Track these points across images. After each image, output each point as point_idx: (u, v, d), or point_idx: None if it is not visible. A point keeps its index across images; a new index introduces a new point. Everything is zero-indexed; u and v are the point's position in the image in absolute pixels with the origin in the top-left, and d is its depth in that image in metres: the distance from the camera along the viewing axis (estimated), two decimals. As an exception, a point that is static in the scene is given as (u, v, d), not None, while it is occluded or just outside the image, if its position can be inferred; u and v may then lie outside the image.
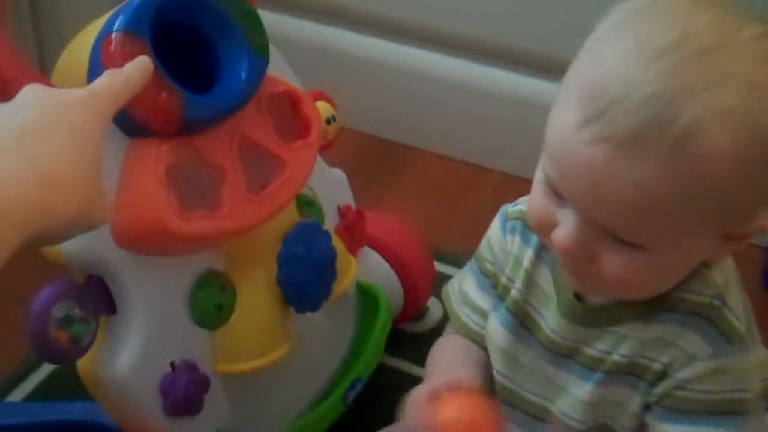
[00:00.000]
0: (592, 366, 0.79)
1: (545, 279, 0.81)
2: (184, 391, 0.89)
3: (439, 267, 1.29)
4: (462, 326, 0.90)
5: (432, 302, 1.26)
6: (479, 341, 0.89)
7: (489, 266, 0.87)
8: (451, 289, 0.93)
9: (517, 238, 0.84)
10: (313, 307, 0.97)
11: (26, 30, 1.45)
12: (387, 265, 1.16)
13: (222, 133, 0.89)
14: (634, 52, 0.65)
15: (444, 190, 1.54)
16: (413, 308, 1.21)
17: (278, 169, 0.92)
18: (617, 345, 0.77)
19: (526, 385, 0.84)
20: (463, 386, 0.78)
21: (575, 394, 0.80)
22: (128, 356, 0.87)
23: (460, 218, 1.48)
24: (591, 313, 0.78)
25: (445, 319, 1.23)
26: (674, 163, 0.64)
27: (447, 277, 1.30)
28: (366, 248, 1.12)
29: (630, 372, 0.77)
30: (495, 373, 0.86)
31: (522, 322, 0.83)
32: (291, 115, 0.97)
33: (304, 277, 0.95)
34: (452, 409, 0.76)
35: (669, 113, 0.63)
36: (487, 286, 0.88)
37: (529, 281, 0.82)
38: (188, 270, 0.91)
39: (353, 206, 1.09)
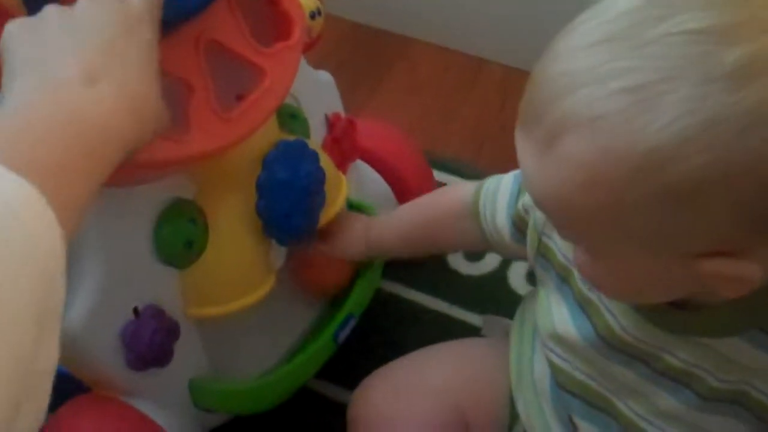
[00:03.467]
0: (674, 377, 0.68)
1: None
2: (150, 341, 0.78)
3: (438, 176, 1.16)
4: (475, 204, 0.84)
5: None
6: (475, 226, 0.84)
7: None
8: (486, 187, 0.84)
9: None
10: (299, 239, 0.84)
11: None
12: (381, 179, 1.04)
13: (185, 39, 0.75)
14: (562, 46, 0.57)
15: (441, 86, 1.40)
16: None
17: (255, 78, 0.78)
18: (705, 359, 0.66)
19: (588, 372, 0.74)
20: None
21: (655, 402, 0.70)
22: (83, 303, 0.75)
23: (459, 118, 1.35)
24: (676, 316, 0.66)
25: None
26: (543, 158, 0.56)
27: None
28: (357, 161, 0.98)
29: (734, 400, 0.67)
30: (564, 368, 0.75)
31: (587, 312, 0.72)
32: (268, 12, 0.82)
33: (288, 205, 0.81)
34: None
35: (548, 105, 0.55)
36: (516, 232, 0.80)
37: None
38: (152, 201, 0.78)
39: (342, 114, 0.95)
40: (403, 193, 1.04)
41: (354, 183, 0.95)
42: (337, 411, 0.97)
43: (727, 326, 0.64)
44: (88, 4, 0.64)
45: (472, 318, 1.06)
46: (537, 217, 0.75)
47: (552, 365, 0.76)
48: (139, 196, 0.77)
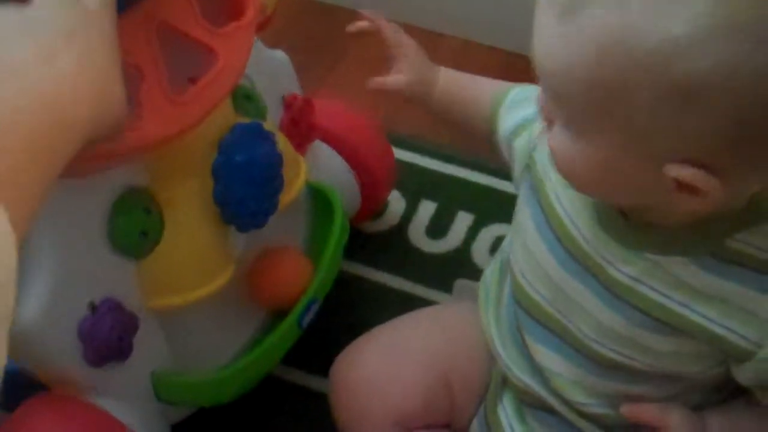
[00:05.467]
0: (619, 293, 0.70)
1: None
2: (108, 336, 0.75)
3: (397, 153, 1.14)
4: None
5: (392, 196, 1.13)
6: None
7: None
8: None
9: None
10: (258, 224, 0.82)
11: None
12: (340, 159, 1.01)
13: (133, 21, 0.72)
14: None
15: (397, 61, 1.37)
16: (373, 205, 1.07)
17: (208, 60, 0.76)
18: (650, 276, 0.68)
19: (544, 292, 0.76)
20: None
21: (598, 317, 0.71)
22: (37, 299, 0.72)
23: (417, 94, 1.32)
24: (632, 231, 0.68)
25: (407, 215, 1.11)
26: (564, 25, 0.58)
27: (407, 165, 1.18)
28: (316, 142, 0.96)
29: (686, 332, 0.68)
30: (525, 286, 0.77)
31: (549, 223, 0.74)
32: (219, -9, 0.80)
33: (246, 190, 0.79)
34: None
35: None
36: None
37: (566, 186, 0.72)
38: (104, 190, 0.75)
39: (299, 94, 0.93)
40: (362, 173, 1.02)
41: (313, 164, 0.93)
42: (304, 396, 0.96)
43: (679, 246, 0.66)
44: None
45: (437, 296, 1.05)
46: (532, 132, 0.77)
47: (515, 282, 0.78)
48: (90, 186, 0.74)
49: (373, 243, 1.06)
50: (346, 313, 1.01)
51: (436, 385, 0.83)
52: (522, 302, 0.77)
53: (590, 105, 0.59)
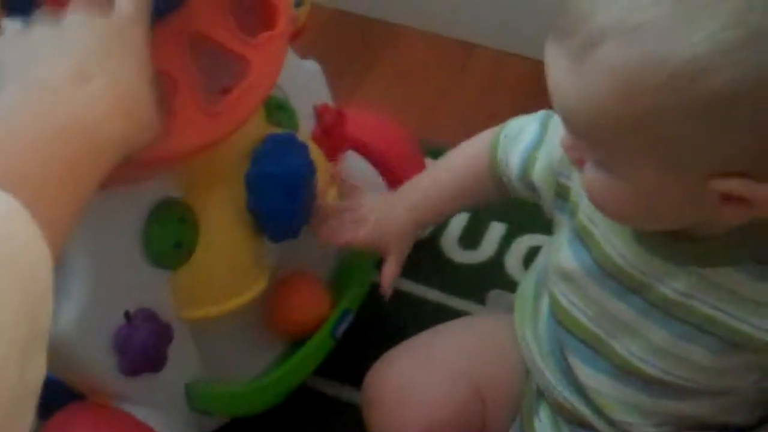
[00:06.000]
0: (666, 309, 0.69)
1: None
2: (143, 345, 0.75)
3: (429, 164, 1.14)
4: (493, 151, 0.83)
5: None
6: (490, 172, 0.83)
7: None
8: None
9: None
10: (291, 234, 0.82)
11: None
12: (372, 169, 1.01)
13: (167, 32, 0.72)
14: None
15: (429, 72, 1.38)
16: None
17: (241, 70, 0.76)
18: (701, 290, 0.67)
19: (586, 312, 0.75)
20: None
21: (648, 336, 0.71)
22: (73, 309, 0.73)
23: (449, 105, 1.33)
24: (675, 245, 0.67)
25: (440, 226, 1.10)
26: (578, 67, 0.58)
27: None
28: (347, 152, 0.96)
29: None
30: (566, 307, 0.76)
31: (585, 243, 0.73)
32: (252, 1, 0.80)
33: (279, 200, 0.79)
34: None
35: (587, 13, 0.57)
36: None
37: None
38: (139, 201, 0.76)
39: (331, 104, 0.93)
40: (394, 183, 1.02)
41: (345, 175, 0.93)
42: (336, 407, 0.96)
43: (723, 255, 0.65)
44: (77, 13, 0.62)
45: (470, 306, 1.04)
46: (553, 160, 0.76)
47: (554, 301, 0.77)
48: (126, 197, 0.74)
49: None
50: (379, 324, 1.01)
51: (468, 396, 0.82)
52: (563, 322, 0.76)
53: (620, 141, 0.58)
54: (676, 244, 0.67)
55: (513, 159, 0.80)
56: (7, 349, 0.44)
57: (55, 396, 0.79)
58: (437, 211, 0.88)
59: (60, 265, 0.71)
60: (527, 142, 0.79)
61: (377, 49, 1.41)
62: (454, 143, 1.24)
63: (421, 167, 1.06)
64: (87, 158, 0.55)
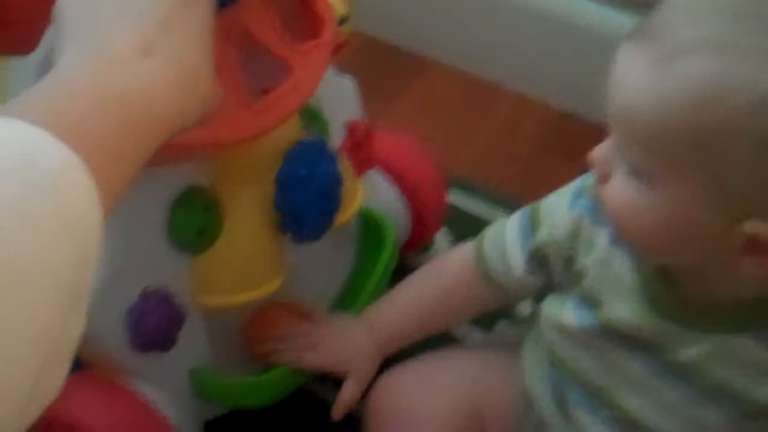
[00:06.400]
0: (679, 371, 0.69)
1: (626, 268, 0.71)
2: (156, 324, 0.77)
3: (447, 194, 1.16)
4: (480, 258, 0.82)
5: (440, 233, 1.14)
6: (484, 281, 0.82)
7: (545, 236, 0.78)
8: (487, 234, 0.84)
9: (586, 218, 0.74)
10: (313, 236, 0.84)
11: None
12: (395, 190, 1.03)
13: (218, 27, 0.73)
14: None
15: (454, 107, 1.40)
16: (421, 238, 1.08)
17: (283, 73, 0.78)
18: (717, 356, 0.66)
19: (590, 366, 0.75)
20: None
21: (659, 394, 0.70)
22: (93, 279, 0.73)
23: (470, 141, 1.35)
24: (690, 310, 0.67)
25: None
26: (658, 70, 0.58)
27: (455, 208, 1.19)
28: (372, 170, 0.98)
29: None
30: (565, 357, 0.76)
31: (592, 308, 0.73)
32: (300, 10, 0.82)
33: (306, 202, 0.81)
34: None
35: (684, 23, 0.58)
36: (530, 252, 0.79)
37: (604, 269, 0.72)
38: (168, 185, 0.77)
39: (362, 121, 0.95)
40: (416, 205, 1.04)
41: (368, 190, 0.95)
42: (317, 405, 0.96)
43: (743, 324, 0.65)
44: None
45: (475, 332, 1.05)
46: (559, 237, 0.75)
47: (551, 353, 0.77)
48: (155, 178, 0.74)
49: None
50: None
51: (468, 417, 0.82)
52: (564, 371, 0.77)
53: (677, 152, 0.58)
54: (694, 310, 0.67)
55: (511, 252, 0.80)
56: (54, 297, 0.45)
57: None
58: (401, 334, 0.87)
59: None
60: (517, 230, 0.80)
61: (405, 79, 1.43)
62: (473, 176, 1.27)
63: (442, 192, 1.07)
64: (143, 130, 0.55)
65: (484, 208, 1.22)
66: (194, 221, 0.78)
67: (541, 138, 1.37)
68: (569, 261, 0.75)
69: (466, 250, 0.84)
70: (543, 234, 0.77)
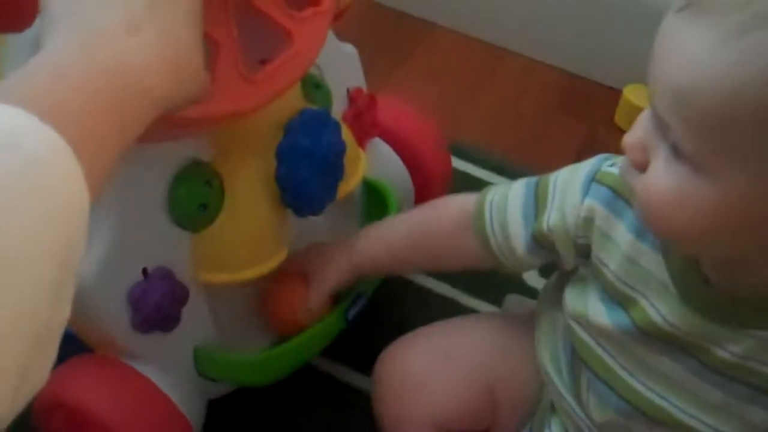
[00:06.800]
0: (722, 370, 0.65)
1: (654, 263, 0.67)
2: (158, 303, 0.75)
3: (454, 162, 1.14)
4: (483, 235, 0.78)
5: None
6: (481, 243, 0.78)
7: (551, 222, 0.74)
8: (491, 196, 0.79)
9: (601, 209, 0.70)
10: (316, 210, 0.82)
11: None
12: (398, 159, 1.01)
13: (217, -5, 0.72)
14: None
15: (459, 72, 1.38)
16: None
17: (282, 42, 0.76)
18: (762, 352, 0.63)
19: (619, 359, 0.71)
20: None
21: (696, 393, 0.67)
22: (93, 260, 0.72)
23: (476, 106, 1.33)
24: (728, 306, 0.64)
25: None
26: (726, 46, 0.52)
27: (461, 174, 1.17)
28: (375, 138, 0.96)
29: None
30: (587, 346, 0.73)
31: (623, 305, 0.69)
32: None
33: (308, 174, 0.79)
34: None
35: None
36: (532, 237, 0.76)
37: (630, 265, 0.68)
38: (168, 160, 0.75)
39: (365, 89, 0.93)
40: (420, 175, 1.02)
41: (371, 161, 0.92)
42: (344, 391, 0.95)
43: None
44: None
45: (482, 306, 1.04)
46: (568, 224, 0.72)
47: (574, 337, 0.74)
48: (155, 154, 0.73)
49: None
50: (391, 313, 1.01)
51: (479, 393, 0.80)
52: (585, 358, 0.73)
53: (742, 131, 0.53)
54: (732, 305, 0.63)
55: (513, 230, 0.76)
56: (37, 285, 0.44)
57: (63, 346, 0.79)
58: (377, 257, 0.84)
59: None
60: (521, 207, 0.76)
61: (410, 44, 1.41)
62: (479, 142, 1.25)
63: (446, 161, 1.06)
64: (131, 108, 0.54)
65: (491, 175, 1.21)
66: (196, 196, 0.76)
67: (549, 101, 1.35)
68: (583, 249, 0.72)
69: (467, 200, 0.80)
70: (550, 219, 0.73)
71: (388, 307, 1.01)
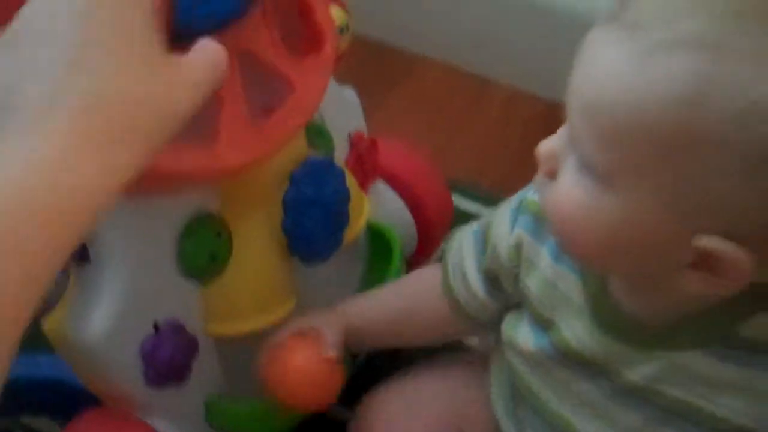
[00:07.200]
0: (634, 392, 0.66)
1: (572, 286, 0.68)
2: (170, 357, 0.75)
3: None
4: (448, 288, 0.80)
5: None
6: (452, 308, 0.80)
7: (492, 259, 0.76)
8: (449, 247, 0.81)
9: (526, 235, 0.72)
10: (323, 257, 0.82)
11: None
12: (400, 200, 1.01)
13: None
14: None
15: (445, 104, 1.39)
16: (428, 249, 1.06)
17: (285, 90, 0.76)
18: (668, 374, 0.64)
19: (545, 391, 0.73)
20: (314, 334, 0.80)
21: (613, 417, 0.68)
22: (104, 314, 0.72)
23: (463, 138, 1.34)
24: (637, 328, 0.65)
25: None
26: (641, 62, 0.52)
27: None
28: (377, 182, 0.97)
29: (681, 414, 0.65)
30: (523, 379, 0.75)
31: (545, 329, 0.71)
32: (300, 24, 0.80)
33: (314, 223, 0.79)
34: (293, 357, 0.79)
35: (679, 14, 0.52)
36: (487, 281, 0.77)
37: (550, 289, 0.69)
38: (177, 212, 0.75)
39: (365, 132, 0.94)
40: (422, 215, 1.02)
41: (374, 204, 0.93)
42: (335, 429, 0.95)
43: (691, 340, 0.62)
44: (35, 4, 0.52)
45: (471, 340, 1.04)
46: (503, 257, 0.73)
47: (512, 376, 0.75)
48: (162, 208, 0.74)
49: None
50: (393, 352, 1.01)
51: None
52: (524, 394, 0.75)
53: (649, 154, 0.53)
54: (641, 328, 0.64)
55: (470, 273, 0.77)
56: None
57: (74, 401, 0.79)
58: (363, 333, 0.84)
59: (93, 270, 0.72)
60: (473, 247, 0.78)
61: (394, 77, 1.41)
62: (465, 176, 1.26)
63: (448, 201, 1.06)
64: (63, 212, 0.46)
65: (480, 207, 1.21)
66: (205, 248, 0.76)
67: (535, 126, 1.35)
68: (515, 279, 0.73)
69: (436, 267, 0.82)
70: (489, 254, 0.75)
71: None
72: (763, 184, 0.52)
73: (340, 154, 0.89)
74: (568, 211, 0.58)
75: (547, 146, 0.61)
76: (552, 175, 0.60)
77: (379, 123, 1.32)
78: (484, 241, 0.77)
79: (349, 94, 0.94)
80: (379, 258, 0.94)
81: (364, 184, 0.91)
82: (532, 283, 0.71)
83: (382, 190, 0.98)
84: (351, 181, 0.85)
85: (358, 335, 0.84)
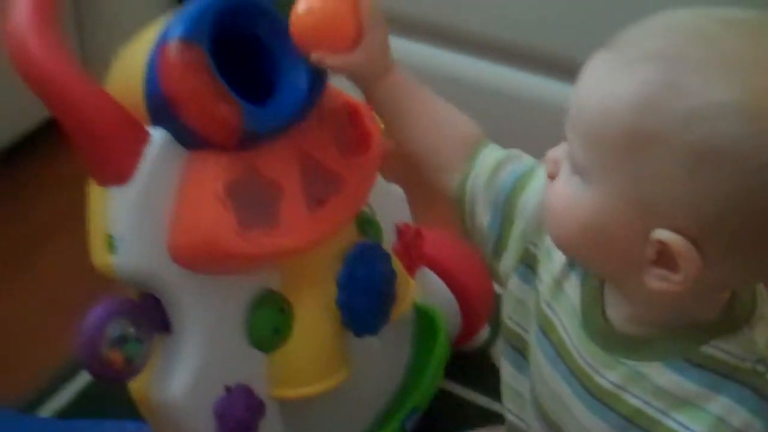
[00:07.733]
0: (601, 398, 0.71)
1: (573, 289, 0.74)
2: (240, 417, 0.85)
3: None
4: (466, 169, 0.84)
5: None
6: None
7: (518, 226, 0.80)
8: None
9: None
10: (373, 331, 0.93)
11: (70, 33, 1.43)
12: (444, 286, 1.12)
13: (281, 148, 0.85)
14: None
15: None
16: (471, 331, 1.16)
17: (337, 185, 0.88)
18: (632, 383, 0.69)
19: (538, 387, 0.78)
20: None
21: (582, 422, 0.73)
22: (183, 378, 0.83)
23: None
24: (611, 333, 0.71)
25: (491, 338, 1.18)
26: (617, 72, 0.62)
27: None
28: (423, 268, 1.07)
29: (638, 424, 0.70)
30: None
31: (542, 326, 0.77)
32: (350, 127, 0.92)
33: (365, 300, 0.90)
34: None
35: (648, 33, 0.62)
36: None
37: (556, 287, 0.76)
38: (245, 289, 0.87)
39: (411, 224, 1.05)
40: (464, 300, 1.12)
41: (420, 288, 1.03)
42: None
43: (654, 351, 0.68)
44: None
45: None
46: (526, 227, 0.78)
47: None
48: (233, 284, 0.86)
49: (462, 361, 1.13)
50: (444, 422, 1.08)
51: None
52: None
53: (613, 153, 0.61)
54: (613, 335, 0.70)
55: (503, 176, 0.80)
56: None
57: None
58: (404, 96, 0.83)
59: (174, 337, 0.83)
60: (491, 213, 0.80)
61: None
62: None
63: (488, 287, 1.15)
64: None
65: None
66: (270, 322, 0.87)
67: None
68: (528, 259, 0.78)
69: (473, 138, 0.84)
70: (516, 229, 0.79)
71: (430, 419, 1.07)
72: (705, 182, 0.59)
73: (389, 242, 1.00)
74: (556, 205, 0.67)
75: (552, 152, 0.69)
76: (552, 176, 0.68)
77: (431, 222, 1.42)
78: (504, 215, 0.79)
79: (396, 190, 1.04)
80: (426, 338, 1.03)
81: (410, 270, 1.02)
82: (545, 275, 0.76)
83: (427, 276, 1.09)
84: (397, 265, 0.96)
85: (387, 78, 0.83)
